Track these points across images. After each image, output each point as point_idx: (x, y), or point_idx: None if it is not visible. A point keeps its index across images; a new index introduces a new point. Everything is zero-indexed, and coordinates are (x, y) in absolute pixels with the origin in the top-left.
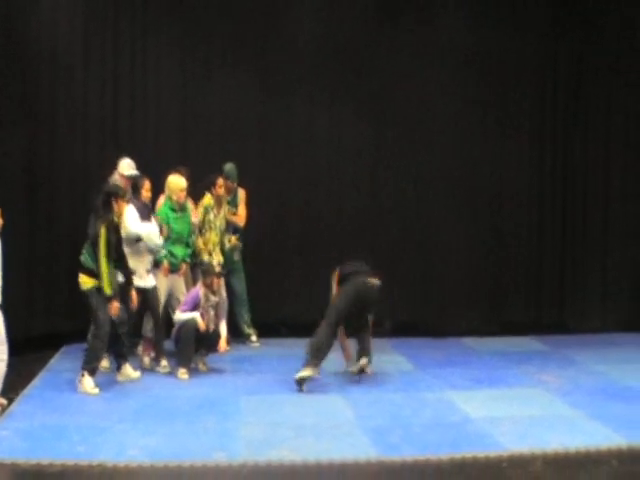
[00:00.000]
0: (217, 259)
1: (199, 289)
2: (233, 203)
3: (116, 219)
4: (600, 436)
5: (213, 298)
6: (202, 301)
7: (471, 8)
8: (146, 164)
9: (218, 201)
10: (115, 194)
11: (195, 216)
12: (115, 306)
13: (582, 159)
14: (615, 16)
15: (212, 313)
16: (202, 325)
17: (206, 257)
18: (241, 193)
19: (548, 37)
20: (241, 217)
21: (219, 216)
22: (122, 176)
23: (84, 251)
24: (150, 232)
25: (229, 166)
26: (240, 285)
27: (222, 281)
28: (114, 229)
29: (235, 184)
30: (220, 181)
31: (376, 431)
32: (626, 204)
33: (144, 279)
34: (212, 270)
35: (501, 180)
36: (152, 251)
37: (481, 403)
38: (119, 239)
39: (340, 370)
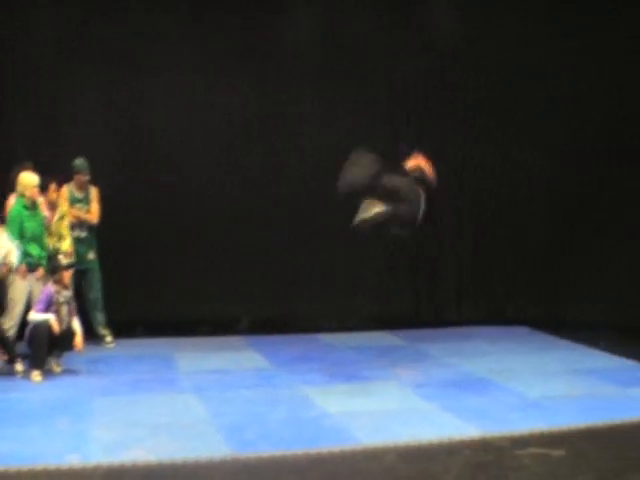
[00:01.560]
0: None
1: (50, 287)
2: (85, 200)
3: None
4: (452, 427)
5: (66, 293)
6: (55, 298)
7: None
8: None
9: (50, 206)
10: None
11: (46, 210)
12: None
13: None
14: None
15: (66, 309)
16: (56, 327)
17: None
18: (93, 190)
19: None
20: (94, 214)
21: (54, 220)
22: None
23: None
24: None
25: (79, 160)
26: (95, 285)
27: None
28: None
29: (87, 178)
30: (53, 186)
31: (231, 428)
32: (474, 199)
33: None
34: (59, 264)
35: None
36: None
37: (337, 398)
38: None
39: (195, 369)
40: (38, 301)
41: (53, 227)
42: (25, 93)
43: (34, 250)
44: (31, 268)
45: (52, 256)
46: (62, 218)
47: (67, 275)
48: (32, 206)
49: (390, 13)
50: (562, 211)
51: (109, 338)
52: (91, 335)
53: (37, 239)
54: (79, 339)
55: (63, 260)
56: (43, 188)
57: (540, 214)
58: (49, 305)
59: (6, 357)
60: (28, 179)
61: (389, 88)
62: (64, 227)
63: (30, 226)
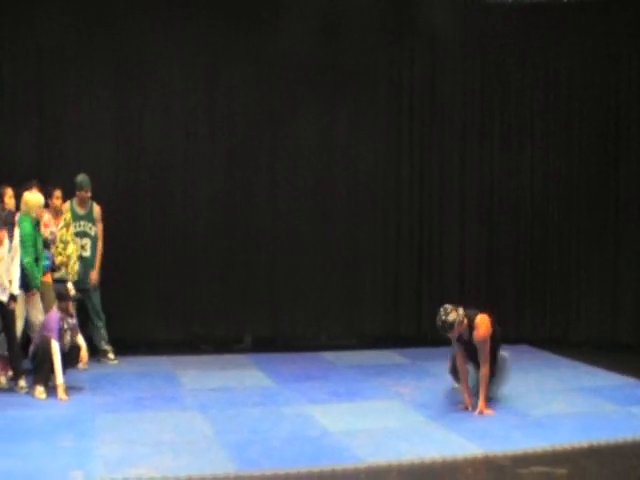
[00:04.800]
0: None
1: (56, 313)
2: (88, 218)
3: None
4: (455, 446)
5: (70, 321)
6: (60, 324)
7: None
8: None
9: (55, 213)
10: None
11: (47, 226)
12: None
13: (438, 170)
14: None
15: (69, 336)
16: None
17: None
18: (97, 208)
19: None
20: (99, 241)
21: (58, 227)
22: None
23: None
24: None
25: (81, 176)
26: (96, 303)
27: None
28: None
29: (89, 194)
30: (57, 192)
31: (235, 446)
32: (481, 220)
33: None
34: (67, 294)
35: (357, 193)
36: None
37: (339, 416)
38: None
39: (199, 386)
40: (48, 328)
41: (58, 234)
42: (25, 101)
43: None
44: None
45: (60, 283)
46: (67, 226)
47: (72, 305)
48: (37, 226)
49: (394, 14)
50: (564, 230)
51: (112, 355)
52: (94, 352)
53: (39, 259)
54: (84, 353)
55: (71, 291)
56: (47, 195)
57: (542, 234)
58: (60, 331)
59: (11, 373)
60: (34, 200)
61: (394, 90)
62: (69, 234)
63: (36, 247)
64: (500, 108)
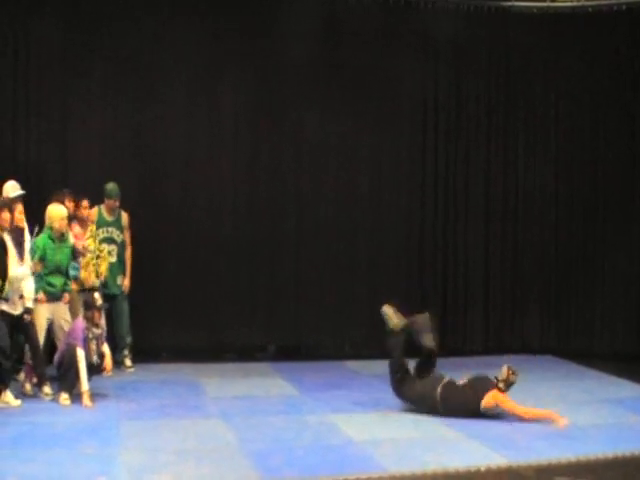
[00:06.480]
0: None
1: (81, 322)
2: (116, 225)
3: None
4: (479, 455)
5: (95, 330)
6: (85, 333)
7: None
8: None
9: (82, 223)
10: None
11: (78, 238)
12: None
13: (462, 182)
14: None
15: (94, 345)
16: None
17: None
18: (124, 216)
19: None
20: (129, 248)
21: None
22: (8, 199)
23: None
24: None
25: (111, 185)
26: (124, 311)
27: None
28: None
29: (117, 203)
30: (85, 202)
31: (258, 454)
32: (505, 230)
33: (16, 306)
34: (93, 303)
35: (381, 204)
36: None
37: (363, 425)
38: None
39: (222, 394)
40: (73, 336)
41: (91, 247)
42: (49, 107)
43: (57, 281)
44: (54, 297)
45: (87, 291)
46: (93, 238)
47: (98, 314)
48: (60, 238)
49: (418, 24)
50: (589, 240)
51: (129, 362)
52: (116, 360)
53: (61, 270)
54: (108, 361)
55: (98, 300)
56: (75, 205)
57: (566, 244)
58: (85, 340)
59: (35, 380)
60: (56, 211)
61: (418, 99)
62: (103, 249)
63: (55, 258)
64: (524, 116)
